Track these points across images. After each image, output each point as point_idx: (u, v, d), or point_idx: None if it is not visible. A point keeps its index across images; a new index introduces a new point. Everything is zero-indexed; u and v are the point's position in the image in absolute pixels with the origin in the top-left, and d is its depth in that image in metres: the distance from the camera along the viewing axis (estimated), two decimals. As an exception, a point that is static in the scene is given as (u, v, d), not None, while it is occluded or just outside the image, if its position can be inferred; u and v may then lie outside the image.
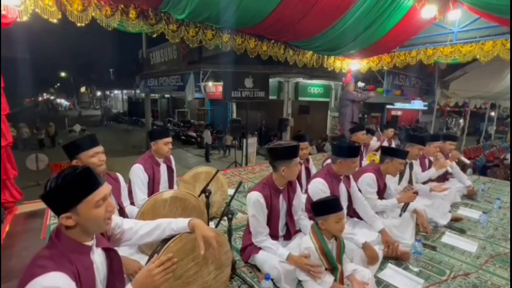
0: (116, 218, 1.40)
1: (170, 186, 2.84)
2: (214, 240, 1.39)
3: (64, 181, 1.03)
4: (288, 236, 2.28)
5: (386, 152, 2.86)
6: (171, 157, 2.93)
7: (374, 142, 4.85)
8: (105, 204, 1.12)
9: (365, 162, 4.43)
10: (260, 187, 2.12)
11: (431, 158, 3.76)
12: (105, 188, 1.13)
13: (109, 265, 1.22)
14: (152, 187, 2.64)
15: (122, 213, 2.21)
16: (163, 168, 2.77)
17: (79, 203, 1.05)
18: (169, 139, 2.71)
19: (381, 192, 2.82)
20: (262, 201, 2.06)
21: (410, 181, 3.29)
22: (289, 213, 2.24)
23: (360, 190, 2.65)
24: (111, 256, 1.24)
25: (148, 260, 1.38)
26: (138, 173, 2.55)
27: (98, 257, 1.17)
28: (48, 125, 14.94)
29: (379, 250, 2.30)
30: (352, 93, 6.67)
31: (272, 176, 2.16)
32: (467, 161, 4.61)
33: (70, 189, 1.04)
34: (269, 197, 2.09)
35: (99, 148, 2.02)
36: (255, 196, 2.06)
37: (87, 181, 1.07)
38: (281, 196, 2.17)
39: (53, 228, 1.12)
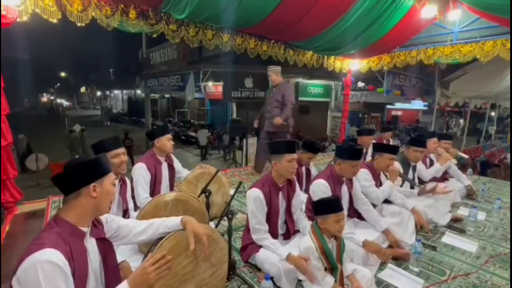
0: (112, 216, 1.44)
1: (171, 185, 2.84)
2: (205, 236, 1.42)
3: (96, 157, 1.27)
4: (288, 236, 2.29)
5: (377, 148, 2.92)
6: (173, 156, 2.93)
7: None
8: (114, 186, 1.32)
9: None
10: (260, 184, 2.14)
11: (432, 157, 3.76)
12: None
13: (102, 257, 1.25)
14: (154, 186, 2.65)
15: (126, 214, 2.22)
16: (164, 167, 2.78)
17: (105, 176, 1.25)
18: (171, 136, 2.79)
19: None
20: (262, 198, 2.07)
21: (411, 187, 3.29)
22: (289, 212, 2.25)
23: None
24: (105, 247, 1.28)
25: (143, 259, 1.40)
26: (141, 171, 2.56)
27: (91, 247, 1.22)
28: (17, 139, 9.22)
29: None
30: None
31: (272, 173, 2.18)
32: (466, 156, 4.60)
33: (100, 162, 1.26)
34: (268, 194, 2.11)
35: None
36: (255, 193, 2.08)
37: (107, 162, 1.31)
38: (280, 194, 2.18)
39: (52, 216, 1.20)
